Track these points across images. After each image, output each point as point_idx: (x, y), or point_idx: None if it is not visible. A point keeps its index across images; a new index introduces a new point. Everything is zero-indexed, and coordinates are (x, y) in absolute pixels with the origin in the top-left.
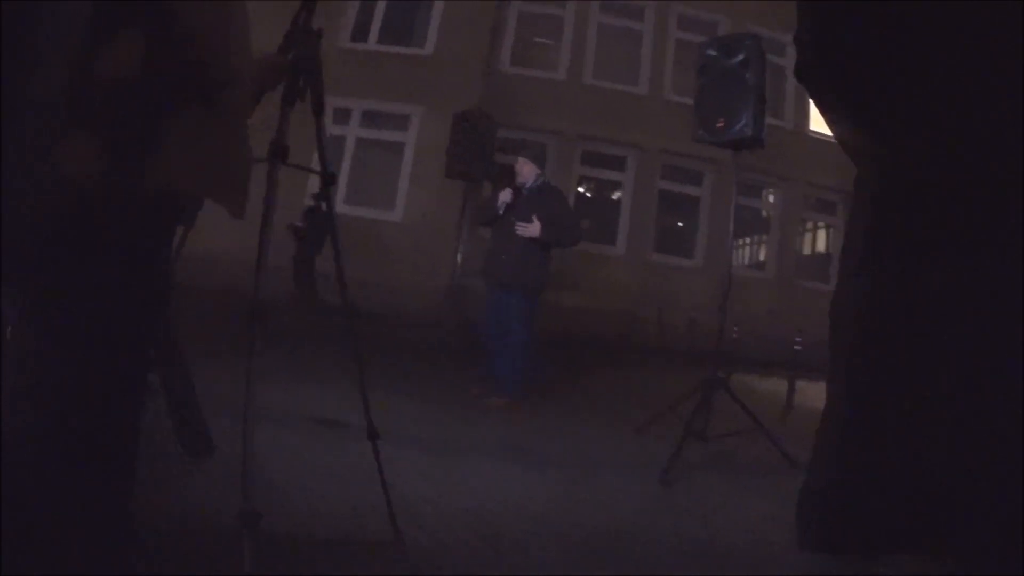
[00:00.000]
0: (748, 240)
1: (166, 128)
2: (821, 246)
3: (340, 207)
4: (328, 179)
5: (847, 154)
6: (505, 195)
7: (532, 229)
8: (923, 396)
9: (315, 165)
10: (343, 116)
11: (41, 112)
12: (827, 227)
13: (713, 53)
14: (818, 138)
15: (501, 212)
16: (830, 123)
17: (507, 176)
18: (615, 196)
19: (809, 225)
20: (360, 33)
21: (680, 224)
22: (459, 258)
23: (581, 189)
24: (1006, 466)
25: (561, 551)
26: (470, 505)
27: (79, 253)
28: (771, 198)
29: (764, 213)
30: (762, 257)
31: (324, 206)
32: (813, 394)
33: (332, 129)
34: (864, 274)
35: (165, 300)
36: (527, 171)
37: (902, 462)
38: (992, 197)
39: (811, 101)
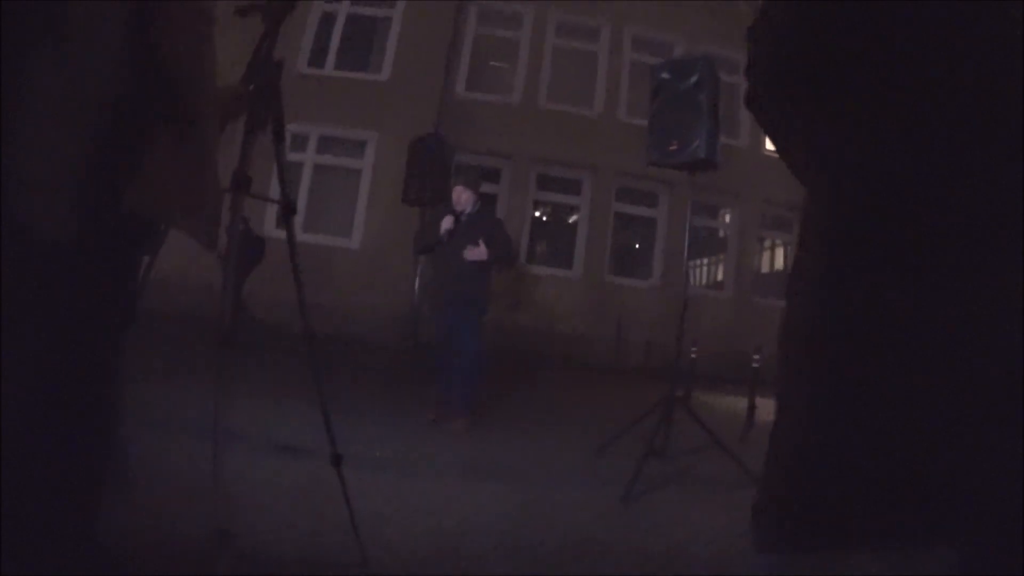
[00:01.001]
0: (705, 260)
1: (146, 152)
2: (779, 263)
3: (298, 235)
4: (288, 208)
5: (796, 177)
6: (447, 223)
7: (479, 252)
8: (885, 399)
9: (275, 193)
10: (300, 143)
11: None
12: (784, 244)
13: (666, 76)
14: (773, 156)
15: (446, 239)
16: (780, 150)
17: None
18: (571, 220)
19: (767, 243)
20: (317, 59)
21: (637, 246)
22: (416, 283)
23: (537, 213)
24: (973, 464)
25: (522, 566)
26: (431, 523)
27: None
28: (727, 217)
29: (721, 233)
30: (720, 277)
31: (248, 228)
32: (773, 411)
33: (289, 156)
34: (822, 289)
35: (128, 321)
36: (465, 198)
37: (861, 460)
38: (955, 218)
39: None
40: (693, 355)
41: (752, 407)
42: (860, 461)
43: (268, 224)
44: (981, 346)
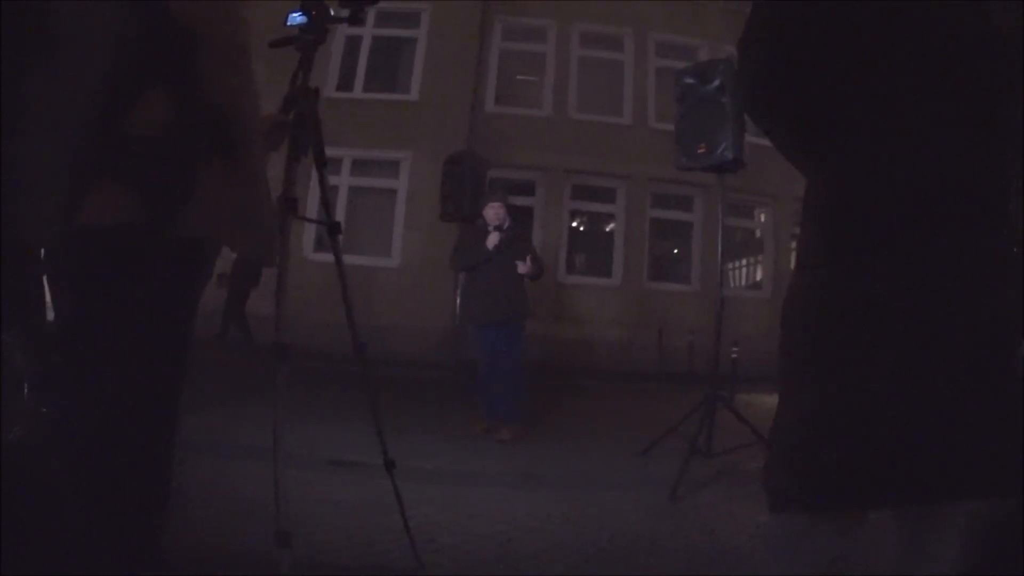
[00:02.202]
0: (744, 262)
1: (195, 180)
2: None
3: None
4: (334, 228)
5: (797, 169)
6: (495, 238)
7: (526, 267)
8: (890, 360)
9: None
10: (335, 166)
11: (67, 163)
12: None
13: (690, 80)
14: None
15: (494, 255)
16: (778, 148)
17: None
18: (608, 228)
19: None
20: (346, 82)
21: (675, 251)
22: (458, 299)
23: (574, 223)
24: (981, 422)
25: (574, 566)
26: (484, 528)
27: (110, 301)
28: (763, 217)
29: (757, 233)
30: (758, 277)
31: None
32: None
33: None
34: (817, 268)
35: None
36: (503, 214)
37: (868, 421)
38: (947, 207)
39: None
40: (734, 355)
41: None
42: (866, 422)
43: (307, 248)
44: (980, 311)
